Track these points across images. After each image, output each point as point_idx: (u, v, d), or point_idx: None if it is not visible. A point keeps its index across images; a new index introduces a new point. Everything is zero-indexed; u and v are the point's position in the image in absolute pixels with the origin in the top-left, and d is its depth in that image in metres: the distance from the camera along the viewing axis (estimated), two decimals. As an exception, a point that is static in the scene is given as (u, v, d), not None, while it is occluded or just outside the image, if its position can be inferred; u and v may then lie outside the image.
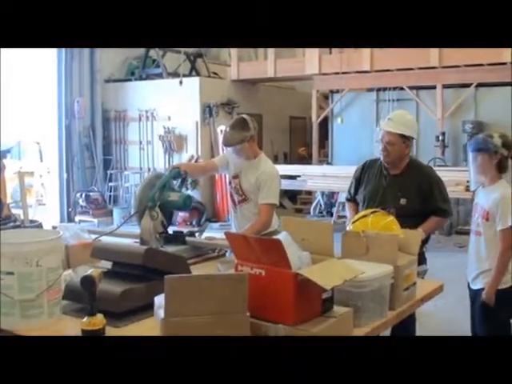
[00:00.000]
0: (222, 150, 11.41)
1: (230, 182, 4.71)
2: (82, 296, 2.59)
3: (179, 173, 4.35)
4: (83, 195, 13.77)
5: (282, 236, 2.58)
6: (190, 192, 4.57)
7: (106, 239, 4.08)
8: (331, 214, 13.24)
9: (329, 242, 2.83)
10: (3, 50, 13.19)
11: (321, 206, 14.31)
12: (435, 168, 9.63)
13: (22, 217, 4.96)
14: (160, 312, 2.24)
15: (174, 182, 4.35)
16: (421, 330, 4.65)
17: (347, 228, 3.68)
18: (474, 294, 4.20)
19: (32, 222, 5.03)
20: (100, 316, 2.54)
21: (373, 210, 3.74)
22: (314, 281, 2.26)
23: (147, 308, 2.73)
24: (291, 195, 15.45)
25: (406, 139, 4.38)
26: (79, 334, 2.51)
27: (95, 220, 13.31)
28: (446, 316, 6.31)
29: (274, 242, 2.41)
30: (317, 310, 2.45)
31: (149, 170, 14.58)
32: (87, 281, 2.54)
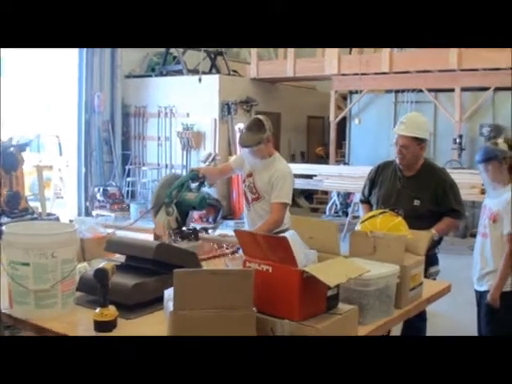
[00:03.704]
0: (240, 148, 11.48)
1: (244, 181, 4.77)
2: (95, 288, 2.68)
3: (198, 175, 4.45)
4: (101, 189, 13.85)
5: (289, 234, 2.63)
6: (206, 189, 4.65)
7: (121, 233, 4.16)
8: (346, 214, 13.25)
9: (335, 240, 2.88)
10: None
11: (336, 205, 14.32)
12: (451, 170, 9.67)
13: (39, 209, 5.06)
14: (169, 304, 2.31)
15: (192, 184, 4.44)
16: (429, 331, 4.68)
17: (356, 228, 3.73)
18: (479, 296, 4.24)
19: (49, 214, 5.13)
20: (112, 308, 2.62)
21: (381, 210, 3.78)
22: (318, 278, 2.31)
23: (158, 301, 2.79)
24: (307, 194, 15.47)
25: (420, 141, 4.42)
26: (91, 324, 2.59)
27: (112, 214, 13.38)
28: (454, 317, 6.32)
29: (281, 239, 2.47)
30: (322, 306, 2.49)
31: (166, 166, 14.67)
32: (100, 273, 2.63)
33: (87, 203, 14.38)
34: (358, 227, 3.64)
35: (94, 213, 13.72)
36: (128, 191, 14.80)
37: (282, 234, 2.66)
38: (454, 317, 6.35)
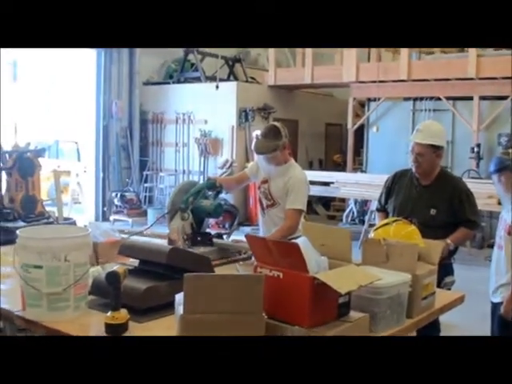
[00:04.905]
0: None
1: (259, 187, 4.77)
2: (108, 291, 2.69)
3: (215, 185, 4.47)
4: (118, 195, 13.95)
5: (300, 240, 2.63)
6: (223, 195, 4.66)
7: (135, 238, 4.18)
8: (363, 222, 13.20)
9: (347, 248, 2.87)
10: (46, 51, 13.45)
11: (353, 213, 14.30)
12: (469, 180, 9.60)
13: (56, 214, 5.09)
14: (180, 308, 2.31)
15: (209, 192, 4.46)
16: (443, 341, 4.64)
17: (369, 236, 3.72)
18: (494, 308, 4.19)
19: (66, 219, 5.16)
20: (124, 311, 2.62)
21: (395, 218, 3.77)
22: (329, 285, 2.31)
23: (170, 305, 2.77)
24: (325, 202, 15.47)
25: (436, 149, 4.40)
26: (103, 327, 2.60)
27: (129, 220, 13.47)
28: (469, 329, 6.25)
29: (292, 245, 2.47)
30: (333, 314, 2.49)
31: (184, 172, 14.74)
32: (112, 277, 2.63)
33: (105, 208, 14.48)
34: (372, 235, 3.63)
35: (111, 218, 13.81)
36: (145, 197, 14.89)
37: (293, 241, 2.66)
38: (468, 329, 6.29)
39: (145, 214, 13.79)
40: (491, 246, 9.91)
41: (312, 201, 14.48)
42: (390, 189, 4.69)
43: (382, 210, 4.74)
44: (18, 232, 2.87)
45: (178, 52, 14.66)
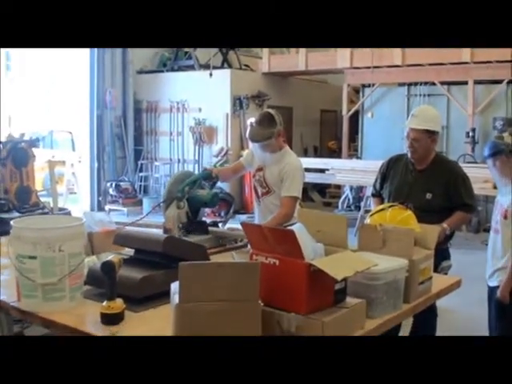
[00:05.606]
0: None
1: (254, 175, 4.76)
2: (103, 281, 2.68)
3: (211, 175, 4.46)
4: (114, 184, 13.93)
5: (296, 227, 2.62)
6: (218, 183, 4.66)
7: (130, 228, 4.17)
8: (359, 209, 13.19)
9: (343, 234, 2.86)
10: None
11: (349, 200, 14.29)
12: (465, 165, 9.60)
13: (51, 205, 5.09)
14: (175, 297, 2.30)
15: (205, 182, 4.45)
16: (440, 327, 4.65)
17: (365, 221, 3.72)
18: (490, 292, 4.21)
19: (61, 209, 5.15)
20: (119, 300, 2.62)
21: (390, 204, 3.76)
22: (325, 271, 2.30)
23: (166, 294, 2.77)
24: (320, 189, 15.46)
25: (431, 134, 4.40)
26: (99, 317, 2.59)
27: (125, 209, 13.46)
28: (466, 313, 6.29)
29: (288, 232, 2.46)
30: (329, 300, 2.48)
31: (179, 161, 14.72)
32: (107, 266, 2.63)
33: (100, 198, 14.46)
34: (368, 221, 3.63)
35: (106, 207, 13.78)
36: (140, 186, 14.89)
37: (289, 228, 2.65)
38: (465, 313, 6.32)
39: (140, 203, 13.77)
40: (487, 231, 9.93)
41: (307, 188, 14.47)
42: (385, 174, 4.68)
43: (378, 195, 4.74)
44: (12, 223, 2.85)
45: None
